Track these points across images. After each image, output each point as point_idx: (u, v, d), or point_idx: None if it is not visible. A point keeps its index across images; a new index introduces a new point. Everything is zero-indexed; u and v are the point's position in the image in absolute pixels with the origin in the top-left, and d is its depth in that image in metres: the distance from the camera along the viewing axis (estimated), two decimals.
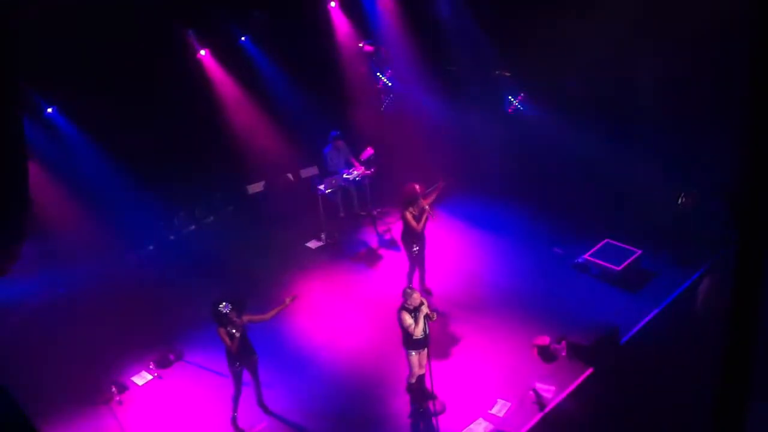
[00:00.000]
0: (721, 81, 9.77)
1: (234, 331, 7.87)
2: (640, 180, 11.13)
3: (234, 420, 8.35)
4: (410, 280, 9.79)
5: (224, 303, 7.86)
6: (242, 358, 8.06)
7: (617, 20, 10.45)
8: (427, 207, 9.30)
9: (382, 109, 14.83)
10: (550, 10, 11.10)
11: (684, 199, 9.93)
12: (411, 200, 9.28)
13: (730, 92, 9.50)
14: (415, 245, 9.53)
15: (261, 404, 8.54)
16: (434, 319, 7.69)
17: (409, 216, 9.29)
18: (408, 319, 7.58)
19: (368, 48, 14.24)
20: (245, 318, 8.01)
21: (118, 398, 9.01)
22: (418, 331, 7.57)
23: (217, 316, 7.88)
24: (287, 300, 8.30)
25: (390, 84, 14.68)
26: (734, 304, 1.76)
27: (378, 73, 14.60)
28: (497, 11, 12.20)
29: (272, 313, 8.26)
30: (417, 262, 9.78)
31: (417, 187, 9.34)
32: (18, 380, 7.28)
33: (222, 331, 7.87)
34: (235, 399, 8.28)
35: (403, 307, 7.63)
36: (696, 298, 8.91)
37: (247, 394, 8.40)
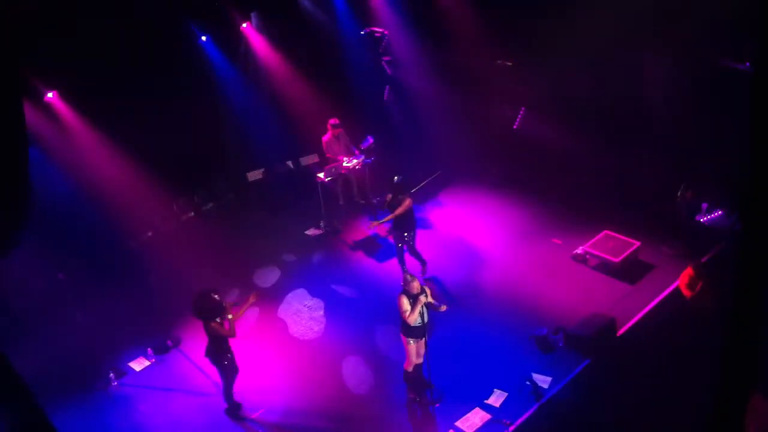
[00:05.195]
0: (726, 76, 9.75)
1: (221, 318, 7.70)
2: (639, 172, 11.10)
3: (231, 409, 8.30)
4: (403, 267, 9.84)
5: (213, 293, 7.64)
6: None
7: (623, 14, 10.37)
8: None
9: (383, 98, 14.77)
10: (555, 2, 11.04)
11: (684, 192, 9.93)
12: (407, 188, 9.46)
13: (734, 87, 9.47)
14: (406, 232, 9.69)
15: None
16: (443, 310, 7.78)
17: (408, 202, 9.49)
18: (405, 305, 7.56)
19: (370, 35, 14.16)
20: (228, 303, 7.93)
21: (115, 383, 9.06)
22: (413, 318, 7.55)
23: (212, 308, 7.59)
24: (251, 298, 7.97)
25: (391, 72, 14.59)
26: (737, 298, 1.76)
27: (379, 61, 14.51)
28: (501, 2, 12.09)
29: (240, 313, 7.88)
30: (409, 250, 9.85)
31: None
32: (16, 364, 7.28)
33: (215, 324, 7.60)
34: (230, 388, 8.17)
35: (404, 292, 7.62)
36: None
37: (238, 381, 8.34)
